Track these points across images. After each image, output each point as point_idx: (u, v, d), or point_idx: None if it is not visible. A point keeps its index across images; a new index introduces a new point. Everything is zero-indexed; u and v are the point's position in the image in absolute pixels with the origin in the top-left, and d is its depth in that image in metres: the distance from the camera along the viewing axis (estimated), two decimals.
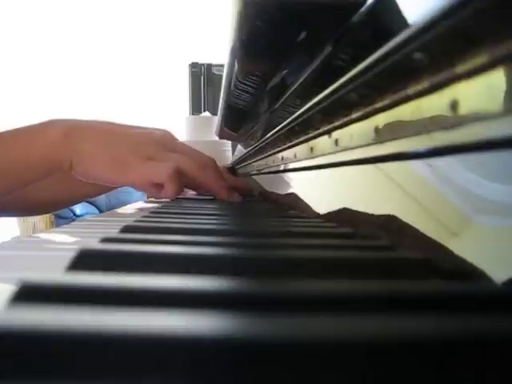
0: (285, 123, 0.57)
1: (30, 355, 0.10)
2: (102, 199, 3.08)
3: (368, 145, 0.33)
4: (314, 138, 0.48)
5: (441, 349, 0.11)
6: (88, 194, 0.81)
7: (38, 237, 0.37)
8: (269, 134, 0.69)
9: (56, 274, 0.18)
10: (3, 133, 0.65)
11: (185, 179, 0.64)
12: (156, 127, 0.72)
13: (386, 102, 0.30)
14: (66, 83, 3.40)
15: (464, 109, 0.21)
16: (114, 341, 0.11)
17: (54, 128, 0.64)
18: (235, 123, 0.92)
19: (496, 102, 0.19)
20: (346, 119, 0.37)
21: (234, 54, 0.49)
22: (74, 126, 0.65)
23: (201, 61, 2.21)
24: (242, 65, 0.52)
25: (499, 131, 0.19)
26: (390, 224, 0.29)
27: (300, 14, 0.36)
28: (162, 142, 0.66)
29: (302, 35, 0.39)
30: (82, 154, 0.63)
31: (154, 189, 0.63)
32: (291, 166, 0.62)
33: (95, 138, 0.64)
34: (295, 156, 0.58)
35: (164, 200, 0.76)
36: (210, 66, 2.18)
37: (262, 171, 0.85)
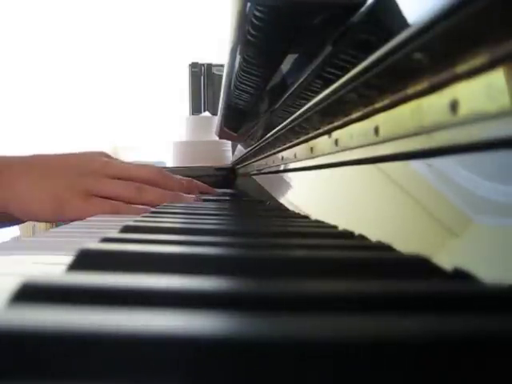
0: (285, 123, 0.57)
1: (29, 355, 0.10)
2: None
3: (368, 145, 0.33)
4: (314, 138, 0.48)
5: (440, 349, 0.11)
6: None
7: (37, 237, 0.37)
8: (269, 134, 0.69)
9: (56, 273, 0.18)
10: None
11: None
12: (91, 150, 0.69)
13: (385, 101, 0.30)
14: (65, 83, 3.40)
15: (464, 109, 0.21)
16: (114, 341, 0.11)
17: None
18: (235, 123, 0.92)
19: (496, 102, 0.19)
20: (346, 119, 0.37)
21: (234, 53, 0.49)
22: (8, 164, 0.62)
23: (201, 61, 2.21)
24: (241, 65, 0.52)
25: (499, 131, 0.19)
26: (389, 224, 0.29)
27: (300, 13, 0.36)
28: (99, 170, 0.63)
29: (302, 35, 0.39)
30: (19, 193, 0.60)
31: None
32: (291, 166, 0.62)
33: (31, 175, 0.61)
34: (295, 156, 0.58)
35: None
36: (210, 65, 2.18)
37: (262, 171, 0.85)
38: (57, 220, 0.64)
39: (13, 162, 0.63)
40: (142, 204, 0.63)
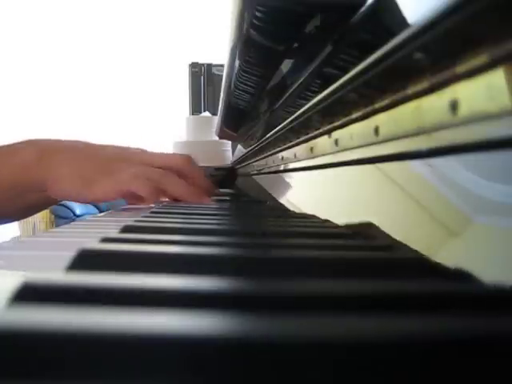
0: (285, 123, 0.57)
1: (29, 355, 0.10)
2: None
3: (368, 145, 0.33)
4: (314, 137, 0.48)
5: (440, 349, 0.11)
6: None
7: (37, 237, 0.37)
8: (269, 134, 0.69)
9: (56, 273, 0.18)
10: None
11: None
12: (135, 147, 0.73)
13: (386, 101, 0.30)
14: (65, 83, 3.40)
15: (464, 109, 0.21)
16: (114, 341, 0.11)
17: (28, 150, 0.68)
18: (235, 123, 0.92)
19: (496, 102, 0.19)
20: (346, 119, 0.37)
21: (233, 53, 0.49)
22: (49, 149, 0.69)
23: (201, 61, 2.21)
24: (241, 65, 0.52)
25: (499, 131, 0.19)
26: (389, 224, 0.29)
27: (300, 13, 0.36)
28: (133, 158, 0.68)
29: (302, 35, 0.39)
30: (55, 176, 0.67)
31: (132, 199, 0.66)
32: (291, 166, 0.62)
33: (68, 160, 0.68)
34: (295, 156, 0.58)
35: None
36: (210, 65, 2.18)
37: (262, 171, 0.85)
38: (87, 199, 0.69)
39: (52, 147, 0.70)
40: (162, 188, 0.65)
